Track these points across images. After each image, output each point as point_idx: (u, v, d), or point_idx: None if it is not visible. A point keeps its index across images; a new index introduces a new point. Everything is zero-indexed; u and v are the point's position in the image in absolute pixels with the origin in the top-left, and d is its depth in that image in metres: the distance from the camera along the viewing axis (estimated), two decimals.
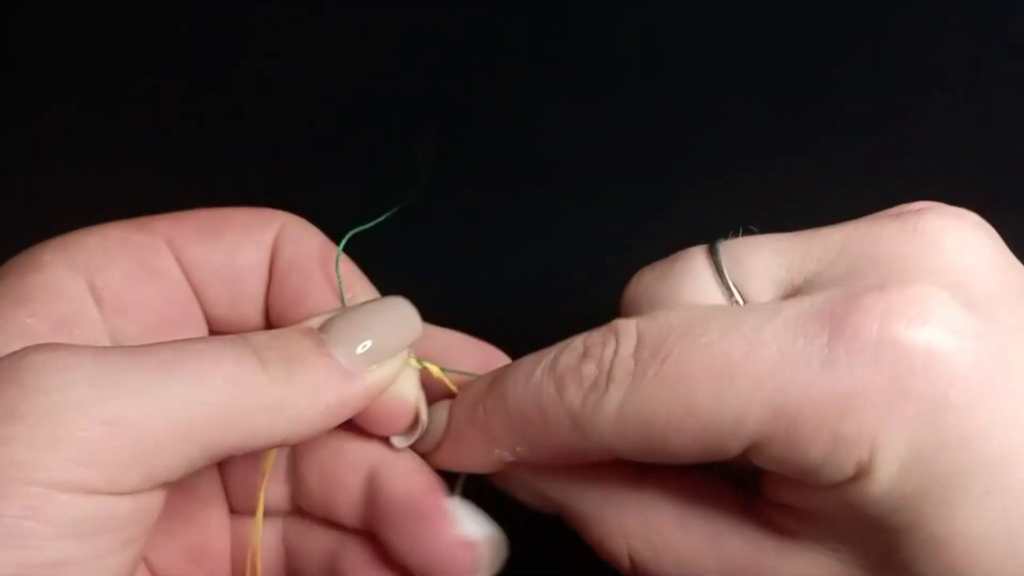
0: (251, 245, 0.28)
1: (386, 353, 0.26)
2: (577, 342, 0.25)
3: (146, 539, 0.23)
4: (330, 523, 0.29)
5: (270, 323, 0.29)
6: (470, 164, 0.37)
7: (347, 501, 0.28)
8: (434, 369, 0.29)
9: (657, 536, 0.26)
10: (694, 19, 0.36)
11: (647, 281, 0.27)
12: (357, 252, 0.30)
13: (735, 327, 0.23)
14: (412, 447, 0.29)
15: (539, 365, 0.25)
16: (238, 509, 0.30)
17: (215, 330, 0.29)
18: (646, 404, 0.23)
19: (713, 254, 0.26)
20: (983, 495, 0.22)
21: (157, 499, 0.23)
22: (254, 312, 0.29)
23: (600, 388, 0.24)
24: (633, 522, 0.27)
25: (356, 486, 0.28)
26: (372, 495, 0.28)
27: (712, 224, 0.34)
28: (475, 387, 0.27)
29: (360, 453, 0.28)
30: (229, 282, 0.28)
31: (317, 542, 0.30)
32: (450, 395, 0.29)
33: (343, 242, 0.28)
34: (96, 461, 0.21)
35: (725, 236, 0.27)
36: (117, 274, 0.27)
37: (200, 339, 0.24)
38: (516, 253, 0.37)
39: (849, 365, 0.21)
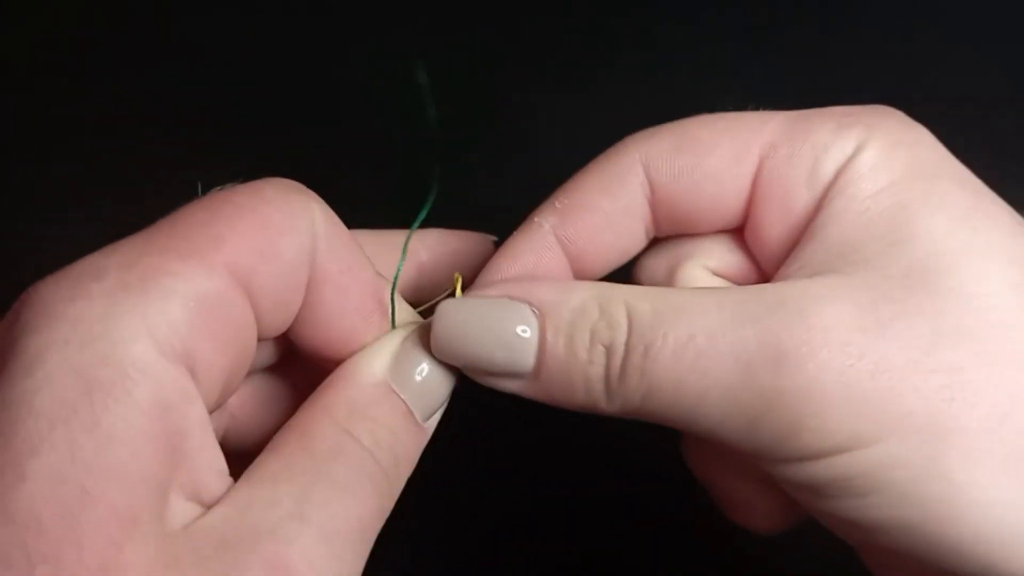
0: (302, 257, 0.26)
1: (449, 387, 0.28)
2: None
3: None
4: None
5: (297, 328, 0.27)
6: (470, 164, 0.37)
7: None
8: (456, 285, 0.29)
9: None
10: (695, 18, 0.36)
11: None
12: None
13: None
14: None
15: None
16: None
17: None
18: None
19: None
20: None
21: None
22: (290, 319, 0.27)
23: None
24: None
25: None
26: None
27: None
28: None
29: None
30: (285, 300, 0.26)
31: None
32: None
33: (398, 268, 0.28)
34: None
35: None
36: (208, 348, 0.24)
37: (346, 471, 0.25)
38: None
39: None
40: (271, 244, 0.25)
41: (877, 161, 0.27)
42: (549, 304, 0.27)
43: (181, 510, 0.22)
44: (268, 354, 0.30)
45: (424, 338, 0.27)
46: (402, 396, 0.27)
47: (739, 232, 0.30)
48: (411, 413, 0.27)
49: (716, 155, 0.28)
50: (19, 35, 0.40)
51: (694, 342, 0.25)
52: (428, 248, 0.32)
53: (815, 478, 0.25)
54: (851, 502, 0.25)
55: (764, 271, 0.30)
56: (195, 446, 0.23)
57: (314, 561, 0.23)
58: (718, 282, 0.31)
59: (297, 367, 0.30)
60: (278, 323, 0.27)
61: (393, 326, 0.28)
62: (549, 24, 0.38)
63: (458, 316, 0.27)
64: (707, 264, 0.31)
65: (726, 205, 0.29)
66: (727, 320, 0.25)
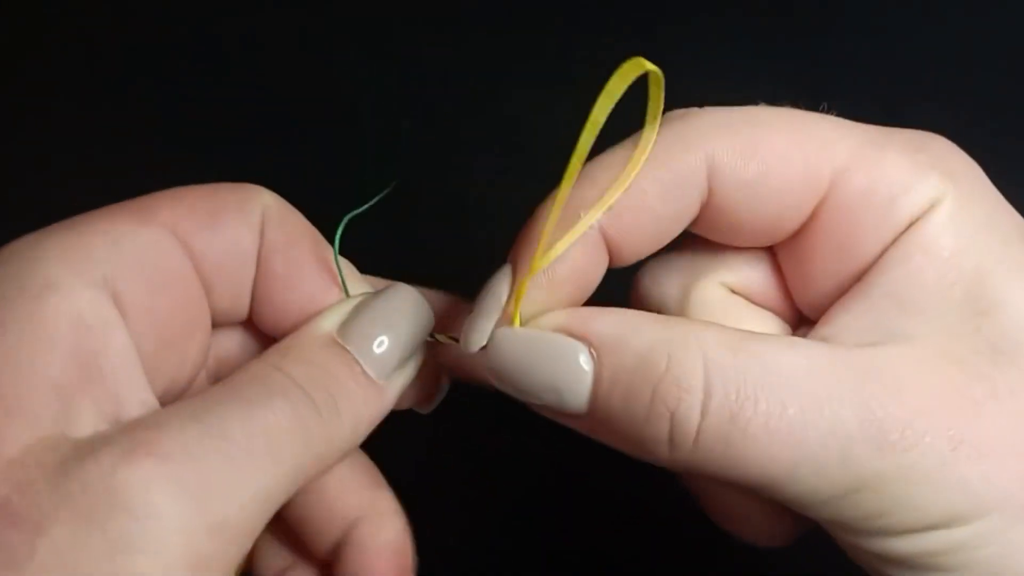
0: (246, 229, 0.28)
1: (407, 351, 0.27)
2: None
3: None
4: (288, 541, 0.30)
5: (255, 307, 0.28)
6: (469, 164, 0.37)
7: (318, 542, 0.29)
8: (443, 339, 0.29)
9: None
10: (694, 18, 0.36)
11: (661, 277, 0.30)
12: (355, 252, 0.30)
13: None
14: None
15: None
16: None
17: (213, 319, 0.28)
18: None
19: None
20: None
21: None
22: (246, 299, 0.28)
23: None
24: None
25: (334, 532, 0.29)
26: (343, 547, 0.29)
27: None
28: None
29: (344, 504, 0.29)
30: (231, 271, 0.27)
31: (272, 558, 0.30)
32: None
33: (340, 229, 0.28)
34: (203, 570, 0.21)
35: None
36: (137, 284, 0.25)
37: (258, 392, 0.24)
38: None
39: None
40: (214, 214, 0.27)
41: (956, 216, 0.25)
42: (609, 343, 0.24)
43: (91, 424, 0.23)
44: (245, 353, 0.30)
45: (380, 300, 0.27)
46: (348, 347, 0.26)
47: (769, 248, 0.29)
48: (358, 364, 0.26)
49: (787, 170, 0.26)
50: (18, 34, 0.40)
51: (787, 414, 0.23)
52: (445, 309, 0.32)
53: (897, 551, 0.24)
54: (932, 574, 0.24)
55: (794, 298, 0.29)
56: (114, 371, 0.24)
57: (192, 450, 0.22)
58: (736, 301, 0.29)
59: None
60: (231, 298, 0.27)
61: (347, 294, 0.28)
62: (549, 24, 0.37)
63: (512, 348, 0.25)
64: (726, 280, 0.29)
65: (780, 225, 0.27)
66: (822, 391, 0.23)
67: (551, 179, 0.38)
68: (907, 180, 0.25)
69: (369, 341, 0.26)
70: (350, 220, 0.28)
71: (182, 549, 0.21)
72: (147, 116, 0.40)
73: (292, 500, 0.27)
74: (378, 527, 0.29)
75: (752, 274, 0.29)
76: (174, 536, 0.21)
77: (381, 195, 0.28)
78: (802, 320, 0.30)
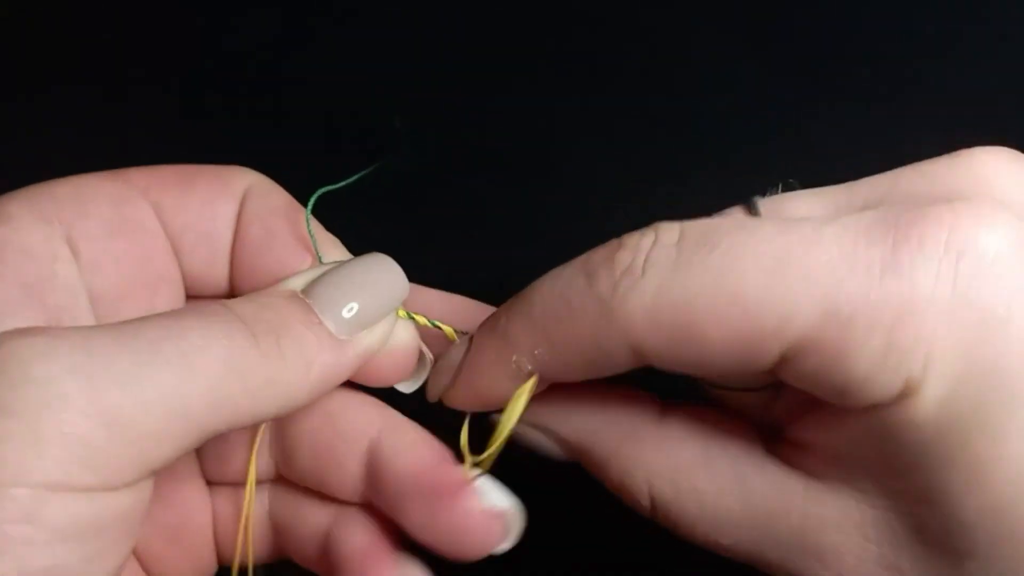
0: (223, 199, 0.28)
1: (376, 315, 0.25)
2: (613, 240, 0.24)
3: (139, 532, 0.22)
4: (322, 495, 0.28)
5: (234, 278, 0.28)
6: (469, 163, 0.37)
7: (343, 477, 0.27)
8: (421, 319, 0.28)
9: (680, 474, 0.25)
10: (695, 18, 0.36)
11: None
12: (354, 249, 0.30)
13: (793, 227, 0.22)
14: (424, 386, 0.28)
15: (567, 266, 0.24)
16: (213, 479, 0.28)
17: (188, 284, 0.28)
18: (687, 290, 0.22)
19: (751, 209, 0.25)
20: None
21: (147, 489, 0.22)
22: (223, 266, 0.28)
23: (635, 274, 0.23)
24: (655, 458, 0.25)
25: (354, 461, 0.27)
26: (375, 471, 0.27)
27: None
28: (497, 310, 0.26)
29: (356, 424, 0.27)
30: (203, 235, 0.27)
31: (309, 517, 0.28)
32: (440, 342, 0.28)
33: (312, 198, 0.27)
34: (90, 458, 0.20)
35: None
36: (94, 226, 0.25)
37: (188, 313, 0.22)
38: (515, 253, 0.37)
39: (912, 271, 0.20)
40: (187, 180, 0.27)
41: (934, 409, 0.21)
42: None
43: None
44: None
45: (352, 265, 0.26)
46: (308, 301, 0.25)
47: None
48: (316, 315, 0.24)
49: (725, 360, 0.23)
50: (17, 33, 0.39)
51: (720, 543, 0.25)
52: (445, 310, 0.30)
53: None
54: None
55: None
56: (58, 301, 0.24)
57: (95, 341, 0.20)
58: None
59: None
60: (203, 263, 0.27)
61: (320, 260, 0.27)
62: (547, 26, 0.37)
63: None
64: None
65: (739, 380, 0.26)
66: (752, 535, 0.25)
67: (552, 179, 0.38)
68: (868, 371, 0.21)
69: (333, 300, 0.25)
70: (348, 216, 0.28)
71: (61, 425, 0.19)
72: (144, 119, 0.39)
73: (302, 446, 0.27)
74: (401, 434, 0.27)
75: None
76: (53, 408, 0.19)
77: (361, 173, 0.28)
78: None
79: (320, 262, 0.27)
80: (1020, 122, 0.36)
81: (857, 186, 0.25)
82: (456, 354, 0.27)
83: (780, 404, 0.26)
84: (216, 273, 0.28)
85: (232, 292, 0.28)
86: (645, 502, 0.25)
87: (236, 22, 0.38)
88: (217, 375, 0.21)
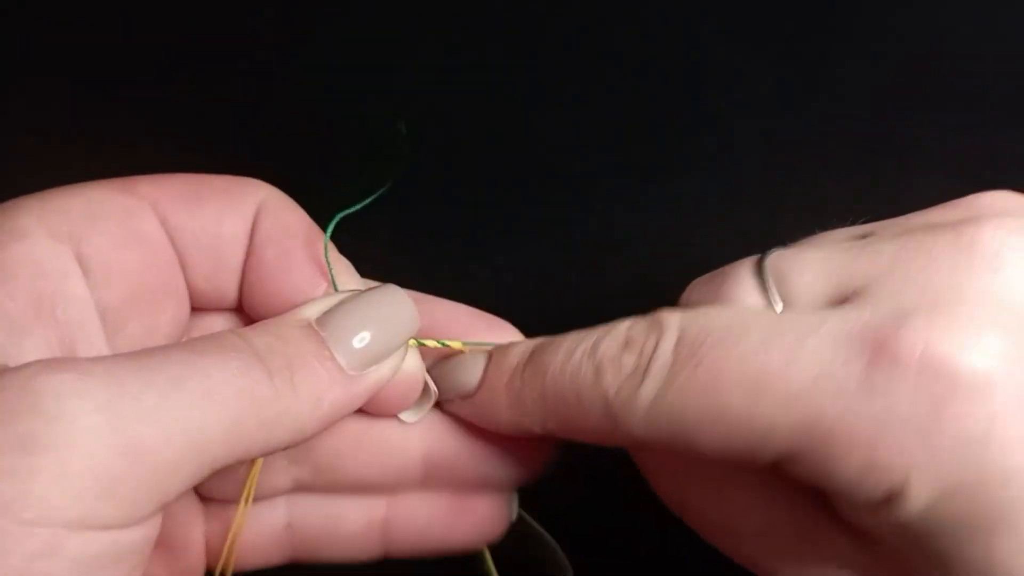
0: (234, 214, 0.27)
1: (387, 350, 0.26)
2: (620, 329, 0.25)
3: (147, 561, 0.22)
4: (368, 489, 0.29)
5: (245, 297, 0.28)
6: (469, 163, 0.37)
7: (406, 464, 0.28)
8: (431, 343, 0.28)
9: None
10: (695, 18, 0.36)
11: (697, 292, 0.27)
12: (354, 250, 0.30)
13: (775, 338, 0.22)
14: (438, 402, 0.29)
15: (580, 346, 0.25)
16: (208, 496, 0.29)
17: (194, 298, 0.28)
18: (677, 403, 0.23)
19: (760, 271, 0.25)
20: None
21: (159, 521, 0.22)
22: (232, 284, 0.28)
23: (636, 379, 0.23)
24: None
25: (413, 446, 0.28)
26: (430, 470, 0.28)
27: (712, 223, 0.34)
28: (513, 354, 0.27)
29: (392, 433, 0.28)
30: (211, 251, 0.27)
31: (354, 513, 0.29)
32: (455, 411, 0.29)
33: (331, 225, 0.27)
34: (113, 494, 0.20)
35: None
36: (104, 240, 0.25)
37: (207, 346, 0.23)
38: (514, 253, 0.37)
39: (887, 391, 0.20)
40: (197, 194, 0.27)
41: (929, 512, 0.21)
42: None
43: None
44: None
45: (366, 297, 0.26)
46: (322, 334, 0.25)
47: None
48: (329, 350, 0.25)
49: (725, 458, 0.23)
50: (15, 31, 0.39)
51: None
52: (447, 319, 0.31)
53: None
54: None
55: None
56: (68, 318, 0.24)
57: (118, 373, 0.21)
58: None
59: None
60: (210, 277, 0.27)
61: (335, 288, 0.27)
62: (547, 26, 0.37)
63: None
64: None
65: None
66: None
67: (552, 179, 0.38)
68: (851, 482, 0.21)
69: (345, 332, 0.25)
70: (344, 218, 0.28)
71: (88, 460, 0.20)
72: (143, 120, 0.40)
73: (345, 453, 0.27)
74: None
75: None
76: (81, 444, 0.20)
77: (377, 193, 0.27)
78: None
79: (335, 289, 0.27)
80: (1020, 121, 0.36)
81: (863, 254, 0.24)
82: (475, 371, 0.28)
83: None
84: (224, 288, 0.28)
85: (241, 309, 0.28)
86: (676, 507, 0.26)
87: (235, 21, 0.38)
88: (234, 410, 0.22)
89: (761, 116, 0.38)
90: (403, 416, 0.28)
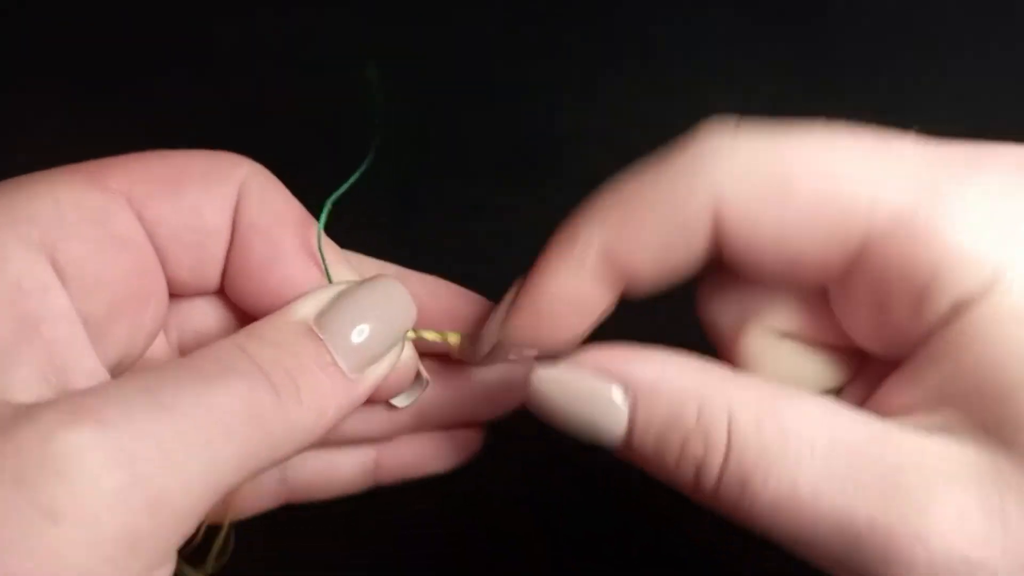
0: (215, 201, 0.26)
1: (386, 346, 0.26)
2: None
3: None
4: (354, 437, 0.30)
5: (228, 284, 0.27)
6: (469, 163, 0.37)
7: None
8: (430, 335, 0.28)
9: (764, 404, 0.24)
10: (695, 18, 0.36)
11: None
12: (354, 247, 0.30)
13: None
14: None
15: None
16: None
17: (175, 288, 0.27)
18: (783, 152, 0.23)
19: None
20: None
21: (176, 556, 0.22)
22: (215, 272, 0.27)
23: (727, 135, 0.24)
24: (737, 389, 0.24)
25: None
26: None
27: None
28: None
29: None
30: (193, 244, 0.26)
31: (346, 462, 0.30)
32: (442, 352, 0.29)
33: (324, 212, 0.27)
34: (138, 549, 0.20)
35: None
36: (79, 248, 0.24)
37: (212, 367, 0.23)
38: (514, 253, 0.37)
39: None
40: (174, 181, 0.25)
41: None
42: (645, 388, 0.24)
43: (35, 390, 0.22)
44: (221, 326, 0.29)
45: (363, 292, 0.26)
46: (322, 336, 0.25)
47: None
48: (330, 354, 0.25)
49: (811, 228, 0.23)
50: (15, 31, 0.39)
51: (797, 493, 0.22)
52: (426, 295, 0.30)
53: None
54: None
55: (853, 344, 0.26)
56: (55, 336, 0.23)
57: (135, 418, 0.21)
58: (786, 348, 0.27)
59: None
60: (191, 267, 0.26)
61: (330, 281, 0.27)
62: (547, 26, 0.37)
63: (550, 388, 0.25)
64: (778, 325, 0.26)
65: (810, 275, 0.24)
66: (836, 478, 0.22)
67: (552, 179, 0.38)
68: (956, 259, 0.21)
69: (346, 334, 0.25)
70: (346, 217, 0.27)
71: (115, 521, 0.20)
72: (138, 117, 0.39)
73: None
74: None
75: (804, 316, 0.26)
76: (108, 507, 0.20)
77: (359, 171, 0.27)
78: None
79: (329, 281, 0.27)
80: (1021, 121, 0.36)
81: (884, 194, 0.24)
82: (500, 310, 0.27)
83: (859, 381, 0.26)
84: (206, 277, 0.27)
85: (225, 292, 0.28)
86: (721, 444, 0.23)
87: (230, 18, 0.38)
88: (245, 437, 0.22)
89: (761, 116, 0.38)
90: (395, 402, 0.28)
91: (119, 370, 0.26)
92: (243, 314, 0.28)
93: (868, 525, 0.22)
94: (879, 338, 0.25)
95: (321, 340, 0.25)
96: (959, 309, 0.22)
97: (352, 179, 0.27)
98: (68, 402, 0.21)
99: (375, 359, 0.26)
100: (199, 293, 0.28)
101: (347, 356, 0.25)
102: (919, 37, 0.36)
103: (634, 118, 0.38)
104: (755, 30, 0.36)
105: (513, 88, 0.37)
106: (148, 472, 0.20)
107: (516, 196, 0.36)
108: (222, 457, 0.22)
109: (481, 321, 0.29)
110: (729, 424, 0.23)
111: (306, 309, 0.25)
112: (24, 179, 0.24)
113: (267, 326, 0.25)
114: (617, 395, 0.24)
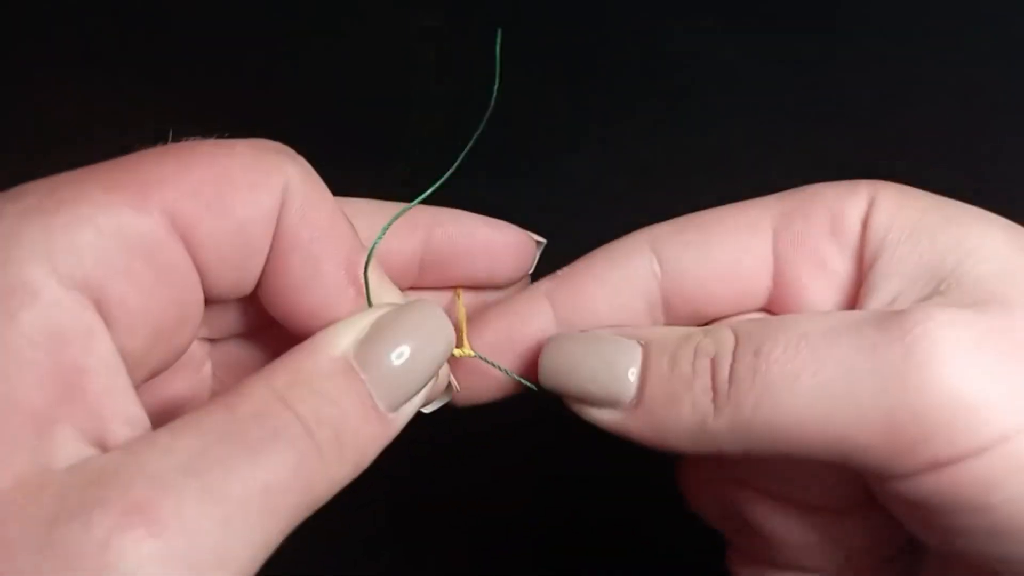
0: (261, 214, 0.24)
1: (423, 380, 0.25)
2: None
3: None
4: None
5: (262, 293, 0.26)
6: (468, 163, 0.37)
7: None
8: (467, 352, 0.29)
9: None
10: (696, 18, 0.36)
11: None
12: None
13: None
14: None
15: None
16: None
17: (209, 300, 0.26)
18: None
19: None
20: None
21: None
22: (250, 283, 0.26)
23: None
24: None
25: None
26: None
27: None
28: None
29: None
30: (236, 262, 0.25)
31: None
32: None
33: (375, 241, 0.26)
34: None
35: None
36: (126, 287, 0.22)
37: (258, 432, 0.22)
38: None
39: None
40: (221, 197, 0.24)
41: (900, 204, 0.27)
42: (655, 336, 0.27)
43: (73, 451, 0.21)
44: (247, 318, 0.28)
45: (403, 320, 0.25)
46: (362, 376, 0.24)
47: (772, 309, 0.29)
48: (370, 397, 0.24)
49: (725, 227, 0.28)
50: (16, 31, 0.39)
51: (807, 340, 0.24)
52: (440, 230, 0.30)
53: (943, 488, 0.23)
54: (978, 512, 0.23)
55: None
56: (98, 387, 0.21)
57: (187, 515, 0.20)
58: None
59: (285, 336, 0.27)
60: (231, 284, 0.25)
61: (370, 304, 0.26)
62: (547, 26, 0.37)
63: (565, 345, 0.28)
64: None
65: (747, 279, 0.28)
66: (841, 320, 0.25)
67: (551, 179, 0.38)
68: (840, 196, 0.28)
69: (386, 370, 0.24)
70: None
71: None
72: (147, 108, 0.40)
73: None
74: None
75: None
76: None
77: (424, 195, 0.27)
78: None
79: (369, 304, 0.26)
80: (1020, 121, 0.36)
81: (770, 204, 0.29)
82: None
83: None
84: (243, 287, 0.26)
85: (258, 296, 0.27)
86: (729, 340, 0.26)
87: (236, 21, 0.38)
88: (293, 506, 0.22)
89: (761, 116, 0.38)
90: (423, 409, 0.28)
91: (150, 378, 0.25)
92: (270, 316, 0.27)
93: (887, 342, 0.23)
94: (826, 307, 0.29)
95: (362, 381, 0.24)
96: (865, 226, 0.27)
97: (423, 195, 0.27)
98: (120, 497, 0.20)
99: (413, 394, 0.25)
100: (233, 299, 0.27)
101: (387, 396, 0.24)
102: (919, 37, 0.36)
103: (635, 119, 0.38)
104: (757, 31, 0.36)
105: (513, 88, 0.37)
106: (201, 570, 0.20)
107: (515, 196, 0.36)
108: (270, 532, 0.21)
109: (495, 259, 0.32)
110: (731, 326, 0.26)
111: (345, 341, 0.24)
112: (65, 200, 0.22)
113: (306, 364, 0.24)
114: (633, 345, 0.27)
